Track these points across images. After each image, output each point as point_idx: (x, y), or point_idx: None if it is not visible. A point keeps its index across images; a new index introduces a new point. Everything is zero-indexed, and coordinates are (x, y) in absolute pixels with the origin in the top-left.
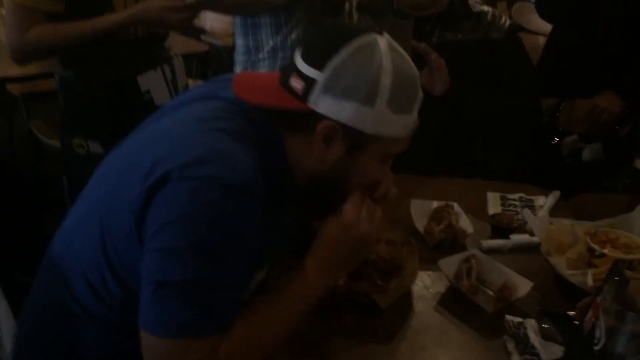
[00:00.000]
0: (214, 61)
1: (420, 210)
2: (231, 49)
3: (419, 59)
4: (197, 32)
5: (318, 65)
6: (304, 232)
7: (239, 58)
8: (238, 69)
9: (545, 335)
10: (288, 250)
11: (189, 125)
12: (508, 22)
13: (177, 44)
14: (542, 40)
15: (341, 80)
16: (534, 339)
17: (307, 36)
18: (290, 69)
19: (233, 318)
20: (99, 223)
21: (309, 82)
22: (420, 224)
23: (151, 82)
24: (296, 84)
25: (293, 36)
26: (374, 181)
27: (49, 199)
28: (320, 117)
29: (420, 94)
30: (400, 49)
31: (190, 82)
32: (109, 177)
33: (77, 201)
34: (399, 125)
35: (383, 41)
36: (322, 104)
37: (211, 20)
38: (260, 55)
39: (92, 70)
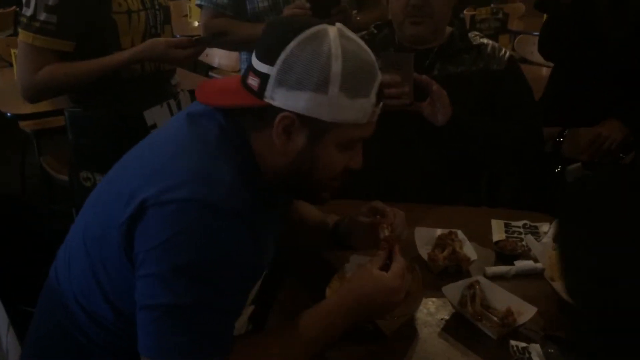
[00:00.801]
0: None
1: (424, 238)
2: None
3: (421, 91)
4: (206, 69)
5: (269, 60)
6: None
7: None
8: None
9: None
10: (288, 267)
11: (163, 151)
12: (508, 54)
13: (186, 80)
14: (544, 71)
15: (292, 72)
16: None
17: (261, 34)
18: (248, 68)
19: (227, 342)
20: (90, 252)
21: (263, 77)
22: (424, 251)
23: (157, 116)
24: (252, 81)
25: None
26: (341, 169)
27: (59, 232)
28: (278, 111)
29: (378, 77)
30: (354, 36)
31: None
32: (94, 206)
33: (70, 231)
34: (356, 110)
35: (333, 29)
36: (278, 97)
37: (219, 57)
38: None
39: (100, 106)
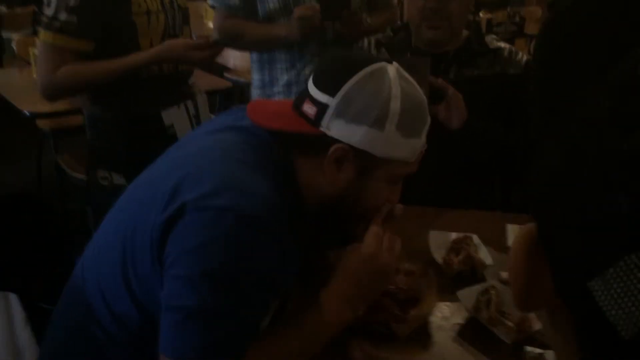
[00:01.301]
0: (236, 97)
1: (439, 242)
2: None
3: (436, 94)
4: (221, 70)
5: (330, 91)
6: (311, 260)
7: (255, 92)
8: None
9: None
10: (298, 278)
11: (206, 156)
12: (525, 58)
13: (202, 81)
14: None
15: (352, 106)
16: None
17: (320, 64)
18: (304, 95)
19: (248, 346)
20: (122, 250)
21: (321, 107)
22: (438, 255)
23: (175, 117)
24: (309, 109)
25: (307, 71)
26: (383, 202)
27: (74, 231)
28: (332, 141)
29: (429, 119)
30: (408, 77)
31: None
32: (130, 205)
33: (99, 229)
34: (407, 148)
35: (392, 69)
36: (334, 128)
37: (234, 58)
38: (275, 89)
39: (118, 106)
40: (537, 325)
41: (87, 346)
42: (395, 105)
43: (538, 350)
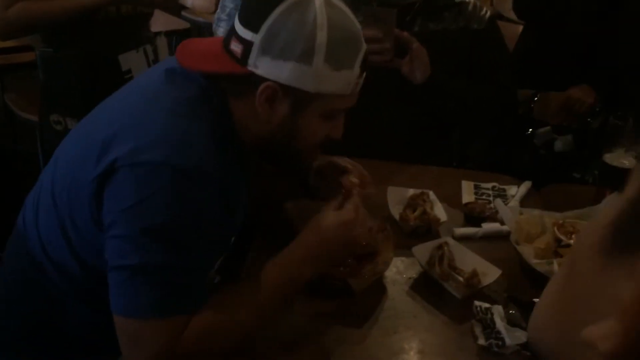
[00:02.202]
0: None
1: (397, 197)
2: (211, 26)
3: (401, 48)
4: (178, 9)
5: (253, 27)
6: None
7: (217, 14)
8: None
9: (510, 321)
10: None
11: (136, 105)
12: (489, 13)
13: (159, 21)
14: (522, 29)
15: (276, 41)
16: (500, 324)
17: None
18: (231, 32)
19: (199, 298)
20: (56, 202)
21: (247, 44)
22: (396, 210)
23: (133, 61)
24: (235, 47)
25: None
26: (322, 138)
27: (24, 174)
28: (261, 79)
29: (363, 47)
30: (340, 4)
31: None
32: (68, 155)
33: (40, 177)
34: (340, 81)
35: None
36: (261, 66)
37: None
38: (223, 15)
39: (73, 47)
40: (485, 281)
41: (38, 296)
42: (322, 36)
43: (486, 305)
